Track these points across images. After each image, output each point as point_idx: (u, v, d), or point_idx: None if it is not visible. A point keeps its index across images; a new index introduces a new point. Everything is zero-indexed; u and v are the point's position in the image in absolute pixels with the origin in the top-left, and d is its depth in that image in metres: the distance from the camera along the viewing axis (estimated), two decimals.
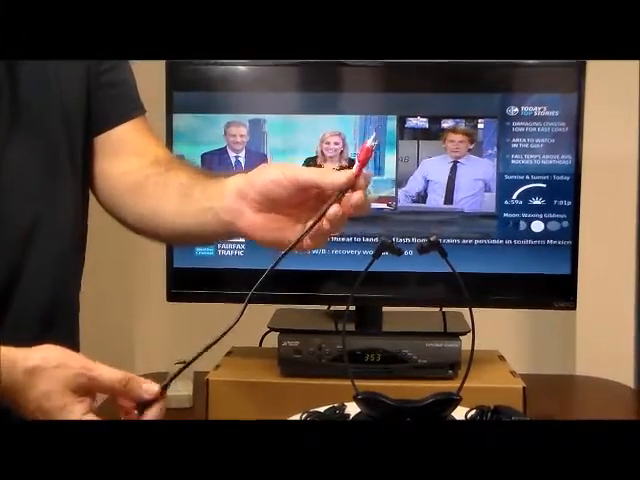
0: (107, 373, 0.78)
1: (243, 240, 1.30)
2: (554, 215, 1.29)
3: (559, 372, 1.62)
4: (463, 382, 0.96)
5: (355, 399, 0.90)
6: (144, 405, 0.79)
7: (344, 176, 0.81)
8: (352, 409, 0.94)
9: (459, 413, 0.92)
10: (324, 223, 0.82)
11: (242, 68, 1.32)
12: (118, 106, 1.02)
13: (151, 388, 0.79)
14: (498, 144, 1.28)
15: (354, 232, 1.30)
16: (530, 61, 1.29)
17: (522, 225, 1.29)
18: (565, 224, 1.29)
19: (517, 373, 1.27)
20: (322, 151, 1.30)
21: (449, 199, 1.29)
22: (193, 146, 1.31)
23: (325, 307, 1.38)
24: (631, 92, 1.62)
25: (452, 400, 0.89)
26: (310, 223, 0.82)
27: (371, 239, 1.29)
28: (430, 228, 1.28)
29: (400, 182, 1.29)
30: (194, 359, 0.81)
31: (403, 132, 1.29)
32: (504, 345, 1.39)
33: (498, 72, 1.30)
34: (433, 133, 1.29)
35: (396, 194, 1.29)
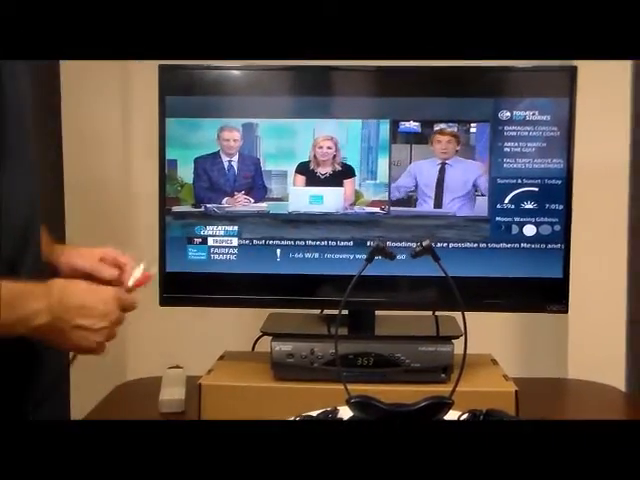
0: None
1: (236, 244, 1.31)
2: (546, 219, 1.29)
3: (551, 375, 1.63)
4: (455, 386, 0.96)
5: (348, 403, 0.90)
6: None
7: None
8: (345, 413, 0.94)
9: (452, 417, 0.92)
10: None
11: (235, 72, 1.32)
12: None
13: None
14: (490, 148, 1.29)
15: (347, 236, 1.30)
16: (522, 65, 1.30)
17: (514, 229, 1.30)
18: (557, 228, 1.29)
19: (509, 377, 1.28)
20: (315, 155, 1.30)
21: (439, 200, 1.29)
22: (186, 150, 1.31)
23: (318, 311, 1.38)
24: (622, 97, 1.63)
25: (445, 404, 0.89)
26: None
27: (364, 243, 1.29)
28: (423, 232, 1.28)
29: (392, 186, 1.29)
30: None
31: (396, 136, 1.29)
32: (496, 349, 1.39)
33: (490, 77, 1.30)
34: (426, 137, 1.29)
35: (389, 198, 1.30)
